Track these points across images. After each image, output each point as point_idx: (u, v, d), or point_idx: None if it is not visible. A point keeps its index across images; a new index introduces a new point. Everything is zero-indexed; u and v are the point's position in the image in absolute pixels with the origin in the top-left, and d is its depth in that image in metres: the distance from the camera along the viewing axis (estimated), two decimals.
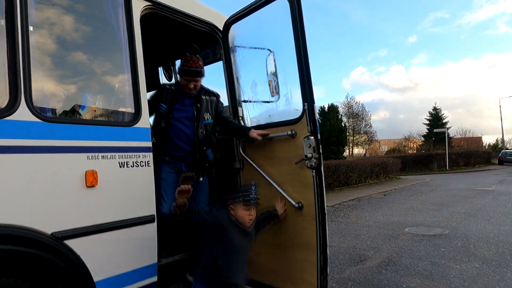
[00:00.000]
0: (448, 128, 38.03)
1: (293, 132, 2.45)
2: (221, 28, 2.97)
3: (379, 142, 47.01)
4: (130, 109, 2.21)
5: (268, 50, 3.18)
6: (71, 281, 1.83)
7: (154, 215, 2.22)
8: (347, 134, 40.40)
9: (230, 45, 2.99)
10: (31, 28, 1.82)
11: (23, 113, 1.69)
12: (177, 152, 2.70)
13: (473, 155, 28.88)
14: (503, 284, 3.72)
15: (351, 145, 41.57)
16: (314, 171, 2.30)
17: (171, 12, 2.62)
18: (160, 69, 4.14)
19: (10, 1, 1.73)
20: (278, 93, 3.22)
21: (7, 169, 1.62)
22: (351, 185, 14.48)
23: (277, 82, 3.23)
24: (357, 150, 43.84)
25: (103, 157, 1.98)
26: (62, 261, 1.76)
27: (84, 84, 2.19)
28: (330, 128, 23.01)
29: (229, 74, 2.99)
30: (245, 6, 2.69)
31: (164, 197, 2.52)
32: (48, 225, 1.72)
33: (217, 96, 2.92)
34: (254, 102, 3.09)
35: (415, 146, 44.49)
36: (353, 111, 41.78)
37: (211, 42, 3.38)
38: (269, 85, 3.25)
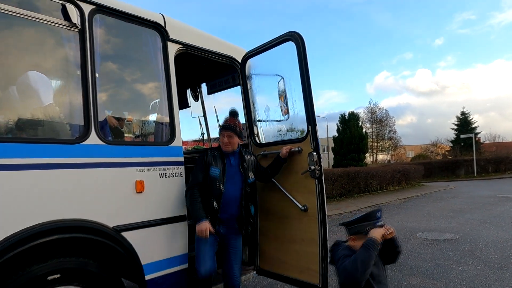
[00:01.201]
0: (477, 133, 36.99)
1: (300, 149, 2.99)
2: (239, 59, 3.56)
3: (404, 148, 46.14)
4: (167, 132, 2.83)
5: (280, 76, 3.76)
6: (125, 263, 2.44)
7: (185, 215, 2.81)
8: (371, 140, 40.13)
9: (247, 74, 3.58)
10: (97, 75, 2.48)
11: (93, 139, 2.33)
12: (224, 214, 2.81)
13: (503, 161, 27.88)
14: (499, 284, 4.03)
15: (374, 151, 41.15)
16: (316, 180, 2.82)
17: (199, 51, 3.23)
18: (188, 91, 4.80)
19: (84, 57, 2.39)
20: (288, 112, 3.77)
21: (84, 179, 2.26)
22: (371, 192, 14.66)
23: (287, 103, 3.79)
24: (382, 157, 43.32)
25: (148, 169, 2.59)
26: (120, 247, 2.37)
27: (134, 113, 2.83)
28: (350, 136, 23.16)
29: (246, 98, 3.57)
30: (259, 45, 3.28)
31: (203, 258, 2.73)
32: (110, 221, 2.34)
33: (255, 156, 3.18)
34: (267, 121, 3.64)
35: (442, 152, 43.28)
36: (376, 117, 41.45)
37: (231, 70, 3.98)
38: (280, 106, 3.81)
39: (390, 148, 42.27)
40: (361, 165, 20.71)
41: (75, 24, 2.36)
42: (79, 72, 2.39)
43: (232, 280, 2.91)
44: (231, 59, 3.53)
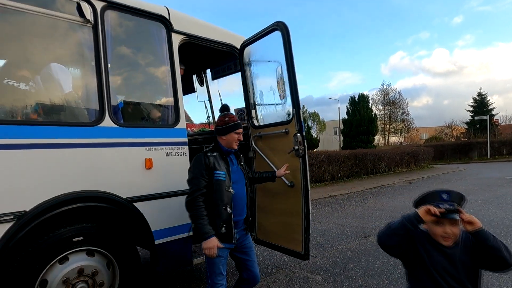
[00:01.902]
0: (493, 115, 36.17)
1: (287, 130, 3.27)
2: (238, 47, 3.82)
3: (416, 130, 45.56)
4: (172, 115, 3.15)
5: (278, 62, 4.00)
6: (137, 229, 2.83)
7: None
8: (383, 122, 39.75)
9: (246, 60, 3.84)
10: (109, 65, 2.80)
11: (107, 122, 2.67)
12: (236, 217, 2.59)
13: None
14: None
15: (387, 133, 40.84)
16: (300, 159, 3.12)
17: (201, 40, 3.50)
18: (194, 77, 5.10)
19: (97, 49, 2.70)
20: (285, 96, 4.04)
21: (100, 157, 2.62)
22: (379, 173, 14.86)
23: (285, 88, 4.04)
24: (394, 139, 43.01)
25: (155, 149, 2.93)
26: (132, 215, 2.75)
27: (143, 99, 3.16)
28: (360, 118, 23.14)
29: (245, 83, 3.85)
30: (253, 34, 3.52)
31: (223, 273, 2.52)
32: (124, 192, 2.71)
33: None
34: (265, 105, 3.92)
35: (456, 134, 42.60)
36: (389, 99, 40.90)
37: (233, 57, 4.24)
38: (278, 90, 4.08)
39: (402, 130, 41.84)
40: (370, 147, 20.79)
41: (89, 20, 2.67)
42: (93, 63, 2.71)
43: (256, 279, 2.73)
44: (231, 47, 3.79)
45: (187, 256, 3.16)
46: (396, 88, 54.39)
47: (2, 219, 2.14)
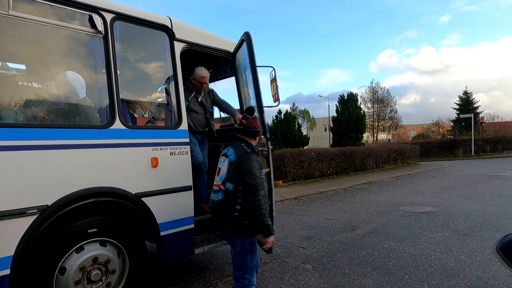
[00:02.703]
0: (478, 113, 37.13)
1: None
2: None
3: (404, 127, 46.50)
4: (175, 118, 3.43)
5: (271, 67, 4.30)
6: (144, 221, 3.11)
7: (191, 185, 3.45)
8: (371, 120, 40.45)
9: (238, 65, 4.13)
10: (118, 72, 3.06)
11: (118, 124, 2.93)
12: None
13: (500, 141, 28.34)
14: (459, 247, 4.71)
15: (375, 131, 41.57)
16: (265, 159, 3.42)
17: (200, 47, 3.78)
18: None
19: (107, 57, 2.96)
20: (278, 99, 4.34)
21: (111, 156, 2.88)
22: (367, 170, 15.33)
23: (278, 91, 4.34)
24: (382, 136, 43.80)
25: (160, 149, 3.20)
26: (140, 209, 3.02)
27: (149, 102, 3.43)
28: (349, 116, 23.64)
29: (238, 87, 4.14)
30: (236, 43, 3.89)
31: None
32: (133, 188, 2.97)
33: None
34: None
35: (443, 131, 43.61)
36: (378, 97, 41.63)
37: (229, 61, 4.52)
38: (272, 93, 4.37)
39: (391, 127, 42.66)
40: (358, 144, 21.28)
41: (100, 31, 2.92)
42: (104, 70, 2.97)
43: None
44: (227, 53, 4.08)
45: (189, 246, 3.45)
46: (385, 86, 55.19)
47: (28, 212, 2.40)
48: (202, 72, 3.98)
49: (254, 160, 2.60)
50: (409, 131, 53.02)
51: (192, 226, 3.47)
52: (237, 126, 2.93)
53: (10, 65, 2.85)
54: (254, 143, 2.81)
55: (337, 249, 4.78)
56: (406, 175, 14.16)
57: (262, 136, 3.40)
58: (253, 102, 3.97)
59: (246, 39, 3.53)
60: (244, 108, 4.11)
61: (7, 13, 2.44)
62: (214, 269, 4.18)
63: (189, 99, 3.94)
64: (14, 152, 2.37)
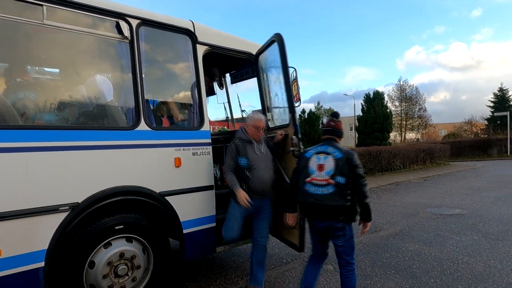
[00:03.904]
0: None
1: (286, 133, 3.60)
2: (255, 54, 4.15)
3: (434, 126, 44.78)
4: (198, 119, 3.52)
5: (292, 67, 4.30)
6: (168, 219, 3.21)
7: (213, 185, 3.53)
8: (399, 118, 39.28)
9: (261, 67, 4.16)
10: (143, 76, 3.18)
11: (143, 126, 3.06)
12: None
13: None
14: (489, 251, 4.52)
15: (403, 130, 40.36)
16: (297, 159, 3.41)
17: (222, 50, 3.85)
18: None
19: (133, 62, 3.08)
20: (300, 99, 4.34)
21: (137, 156, 3.01)
22: (393, 170, 14.95)
23: (299, 92, 4.34)
24: (411, 135, 42.46)
25: (183, 149, 3.30)
26: (164, 208, 3.13)
27: (172, 104, 3.54)
28: (374, 115, 23.09)
29: (260, 88, 4.18)
30: (263, 44, 3.88)
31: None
32: (157, 187, 3.09)
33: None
34: (277, 108, 4.23)
35: (475, 130, 41.64)
36: (406, 95, 40.35)
37: (250, 63, 4.57)
38: (293, 93, 4.38)
39: (419, 126, 41.25)
40: (384, 144, 20.75)
41: (126, 36, 3.05)
42: (130, 74, 3.10)
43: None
44: (249, 54, 4.12)
45: (211, 244, 3.54)
46: (413, 84, 53.14)
47: (60, 208, 2.56)
48: (259, 115, 3.43)
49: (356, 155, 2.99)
50: (439, 130, 51.07)
51: (214, 224, 3.55)
52: (324, 128, 3.22)
53: (45, 69, 3.05)
54: (339, 141, 3.16)
55: (359, 250, 4.73)
56: (435, 175, 13.69)
57: (294, 137, 3.44)
58: (278, 102, 4.00)
59: (278, 40, 3.51)
60: (266, 108, 4.15)
61: (42, 23, 2.61)
62: (236, 267, 4.25)
63: (247, 150, 3.34)
64: (48, 152, 2.53)
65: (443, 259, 4.29)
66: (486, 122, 39.88)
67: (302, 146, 3.45)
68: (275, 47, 3.58)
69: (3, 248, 2.33)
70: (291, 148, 3.44)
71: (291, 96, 3.49)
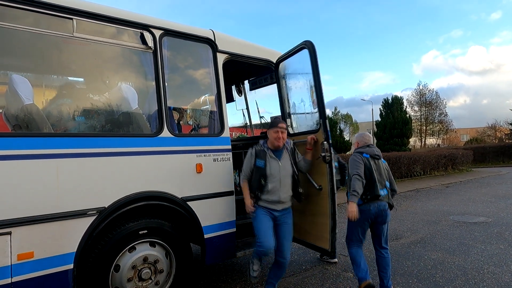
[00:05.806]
0: None
1: (315, 138, 3.61)
2: (274, 61, 4.20)
3: (455, 131, 43.58)
4: (218, 126, 3.59)
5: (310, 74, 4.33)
6: (189, 224, 3.28)
7: (233, 190, 3.58)
8: (419, 124, 38.48)
9: (282, 74, 4.21)
10: (166, 84, 3.28)
11: (166, 133, 3.15)
12: None
13: None
14: None
15: (423, 135, 39.47)
16: (327, 165, 3.43)
17: (241, 57, 3.92)
18: (233, 87, 5.54)
19: (157, 71, 3.19)
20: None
21: (160, 162, 3.09)
22: (414, 177, 14.64)
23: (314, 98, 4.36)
24: (431, 141, 41.48)
25: (204, 155, 3.37)
26: (186, 212, 3.20)
27: (193, 111, 3.63)
28: (393, 120, 22.69)
29: (280, 95, 4.22)
30: (286, 51, 3.91)
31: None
32: (179, 193, 3.17)
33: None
34: (299, 114, 4.26)
35: (499, 135, 40.26)
36: (425, 100, 39.53)
37: (269, 70, 4.63)
38: (312, 100, 4.40)
39: (440, 132, 40.24)
40: (404, 150, 20.33)
41: (150, 46, 3.16)
42: (153, 83, 3.20)
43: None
44: (268, 62, 4.18)
45: (232, 249, 3.57)
46: (433, 88, 51.82)
47: (88, 213, 2.66)
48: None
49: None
50: (461, 135, 49.73)
51: (234, 229, 3.59)
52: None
53: (74, 79, 3.19)
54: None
55: None
56: (457, 182, 13.31)
57: (325, 142, 3.45)
58: (303, 108, 4.03)
59: (310, 47, 3.54)
60: (286, 114, 4.19)
61: (72, 35, 2.75)
62: None
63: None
64: (77, 158, 2.64)
65: (468, 268, 4.17)
66: (510, 127, 38.48)
67: (333, 152, 3.46)
68: (304, 53, 3.62)
69: (35, 250, 2.44)
70: (322, 154, 3.45)
71: (323, 102, 3.52)
